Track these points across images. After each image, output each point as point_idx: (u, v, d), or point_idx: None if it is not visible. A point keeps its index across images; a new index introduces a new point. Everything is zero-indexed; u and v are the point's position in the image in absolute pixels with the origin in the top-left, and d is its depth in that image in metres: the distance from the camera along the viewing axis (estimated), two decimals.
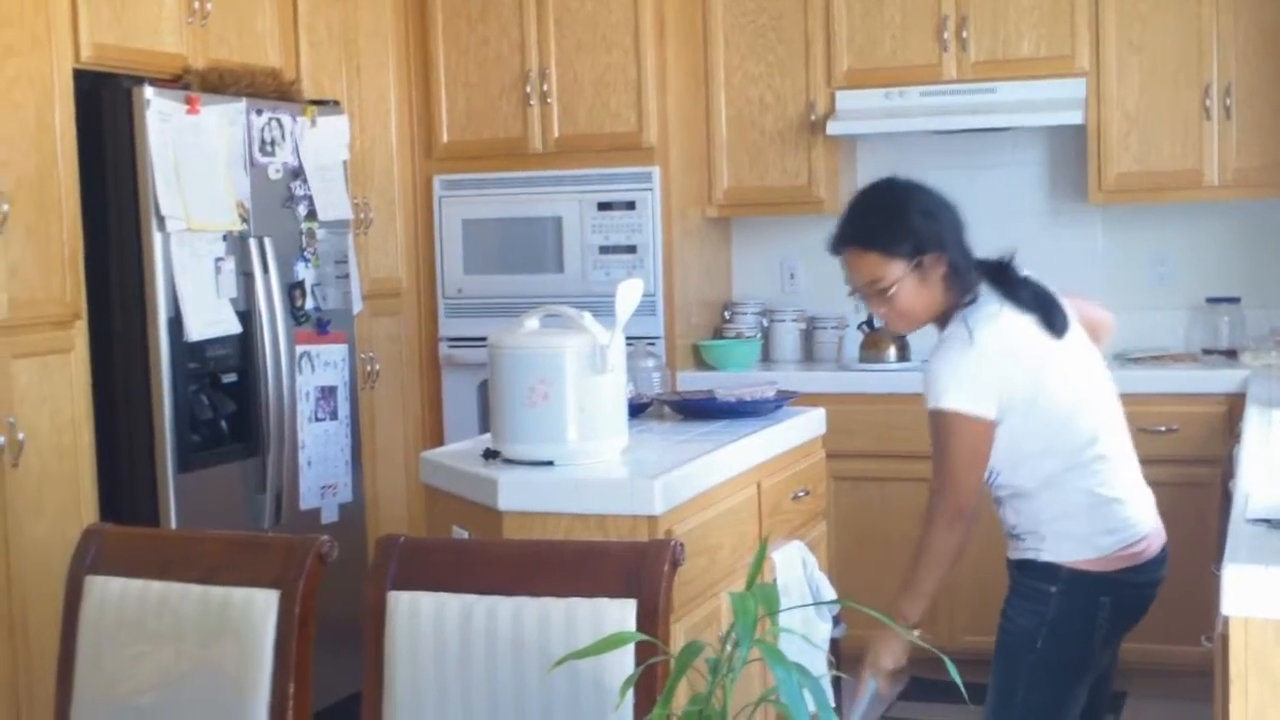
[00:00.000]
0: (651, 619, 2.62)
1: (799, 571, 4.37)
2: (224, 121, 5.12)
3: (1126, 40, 6.11)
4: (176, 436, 4.94)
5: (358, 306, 5.88)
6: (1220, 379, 5.85)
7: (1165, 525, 5.59)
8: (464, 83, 6.55)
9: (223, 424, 5.16)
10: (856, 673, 3.62)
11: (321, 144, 5.59)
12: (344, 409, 5.65)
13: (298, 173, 5.47)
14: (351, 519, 5.67)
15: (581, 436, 3.87)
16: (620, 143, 6.34)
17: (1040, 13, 6.19)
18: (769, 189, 6.55)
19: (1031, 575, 3.61)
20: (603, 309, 4.02)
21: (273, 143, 5.34)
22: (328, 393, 5.56)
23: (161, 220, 4.85)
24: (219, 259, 5.08)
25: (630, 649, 2.56)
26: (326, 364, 5.56)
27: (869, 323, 6.36)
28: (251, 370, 5.22)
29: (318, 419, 5.51)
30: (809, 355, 6.80)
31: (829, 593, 4.44)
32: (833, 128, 6.42)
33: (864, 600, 2.78)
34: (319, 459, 5.50)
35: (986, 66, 6.27)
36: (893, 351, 6.33)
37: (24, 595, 4.52)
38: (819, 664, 3.68)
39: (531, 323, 3.97)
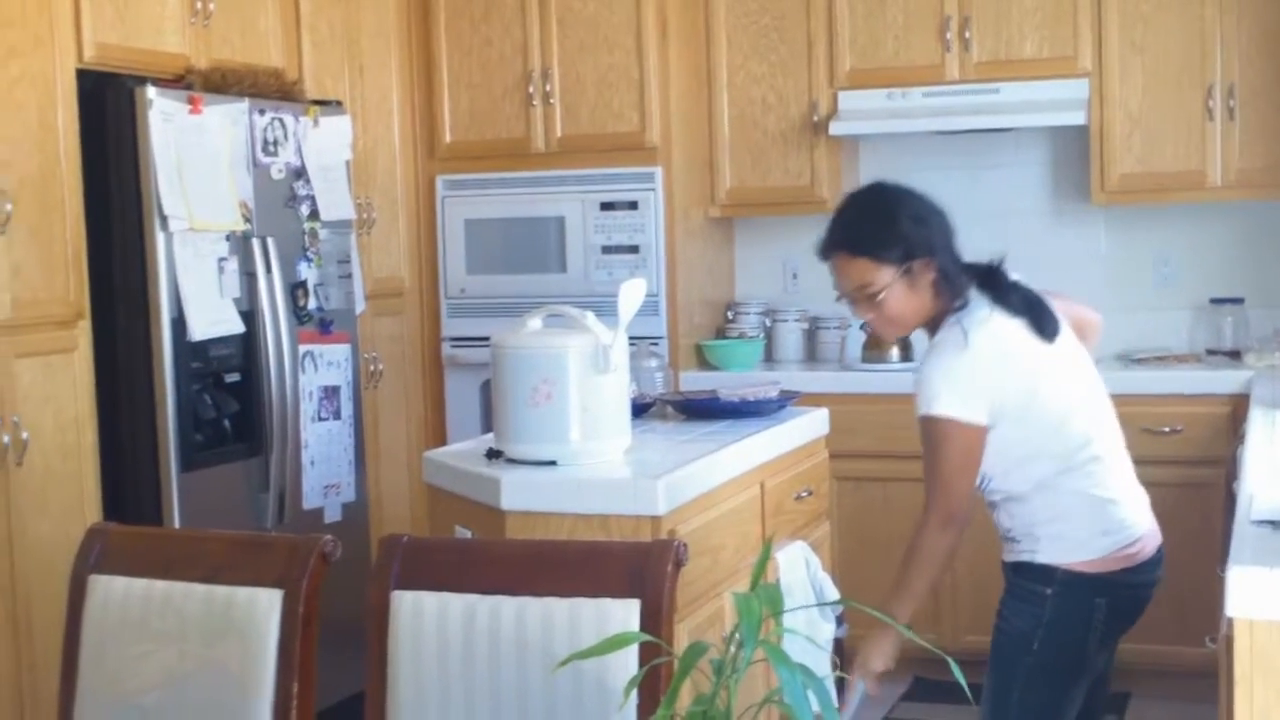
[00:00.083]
0: (655, 619, 2.62)
1: (802, 572, 4.37)
2: (227, 121, 5.12)
3: (1129, 41, 6.11)
4: (180, 436, 4.94)
5: (360, 306, 5.88)
6: (1224, 380, 5.85)
7: (1169, 526, 5.57)
8: (467, 83, 6.55)
9: (226, 423, 5.16)
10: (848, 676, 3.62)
11: (324, 144, 5.59)
12: (347, 409, 5.65)
13: (300, 173, 5.47)
14: (354, 519, 5.67)
15: (584, 436, 3.87)
16: (623, 143, 6.34)
17: (1043, 13, 6.19)
18: (771, 189, 6.55)
19: (1027, 577, 3.60)
20: (605, 309, 4.03)
21: (275, 143, 5.34)
22: (331, 392, 5.56)
23: (164, 220, 4.85)
24: (222, 259, 5.08)
25: (634, 649, 2.56)
26: (329, 364, 5.56)
27: None
28: (254, 370, 5.22)
29: (321, 418, 5.51)
30: (812, 355, 6.80)
31: (832, 593, 4.44)
32: (835, 128, 6.42)
33: (867, 600, 2.78)
34: (322, 458, 5.50)
35: (989, 67, 6.26)
36: (895, 352, 6.33)
37: (28, 594, 4.52)
38: (823, 665, 3.68)
39: (534, 323, 3.97)
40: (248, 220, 5.18)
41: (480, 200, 6.57)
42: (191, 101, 4.96)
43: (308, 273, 5.48)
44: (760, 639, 2.04)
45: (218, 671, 2.83)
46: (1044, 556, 3.56)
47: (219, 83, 5.19)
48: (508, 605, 2.73)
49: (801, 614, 4.05)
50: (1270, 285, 6.36)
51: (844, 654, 4.43)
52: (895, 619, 3.51)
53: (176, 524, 4.90)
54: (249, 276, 5.18)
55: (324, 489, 5.52)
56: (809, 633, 4.05)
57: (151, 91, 4.84)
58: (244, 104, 5.21)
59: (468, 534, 3.95)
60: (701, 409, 4.69)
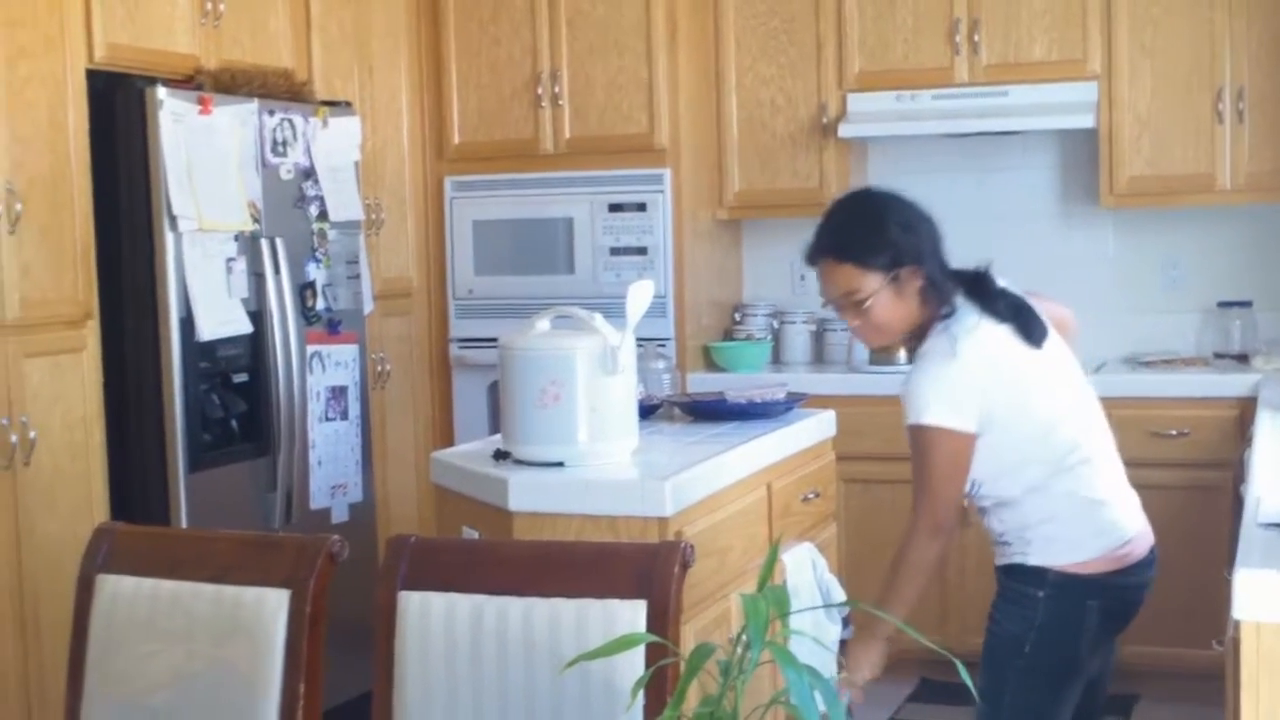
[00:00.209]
0: (662, 620, 2.62)
1: (809, 573, 4.37)
2: (236, 122, 5.13)
3: (1138, 44, 6.11)
4: (187, 436, 4.95)
5: (368, 307, 5.89)
6: (1231, 383, 5.85)
7: (1176, 529, 5.59)
8: (476, 84, 6.55)
9: (233, 423, 5.17)
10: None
11: (333, 145, 5.59)
12: (354, 409, 5.65)
13: (309, 173, 5.47)
14: (362, 519, 5.67)
15: (592, 438, 3.87)
16: (631, 144, 6.34)
17: (1052, 16, 6.18)
18: (780, 191, 6.55)
19: (1019, 580, 3.59)
20: (613, 310, 4.03)
21: (284, 143, 5.35)
22: (338, 393, 5.57)
23: (173, 220, 4.86)
24: (230, 259, 5.09)
25: (641, 650, 2.56)
26: (337, 364, 5.57)
27: None
28: (262, 370, 5.22)
29: (328, 419, 5.52)
30: (819, 357, 6.80)
31: (839, 595, 4.44)
32: (844, 130, 6.42)
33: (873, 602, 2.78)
34: (329, 459, 5.51)
35: (998, 70, 6.26)
36: (903, 354, 6.31)
37: (35, 594, 4.53)
38: (829, 666, 3.68)
39: (542, 324, 3.97)
40: (256, 220, 5.19)
41: (489, 201, 6.57)
42: (201, 102, 4.97)
43: (316, 273, 5.49)
44: (767, 640, 2.04)
45: (225, 671, 2.84)
46: (1035, 559, 3.55)
47: (229, 83, 5.19)
48: (515, 606, 2.74)
49: (808, 615, 4.05)
50: (1278, 289, 6.35)
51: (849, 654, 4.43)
52: (879, 631, 3.53)
53: (184, 524, 4.91)
54: (257, 277, 5.19)
55: (331, 489, 5.53)
56: (816, 634, 4.05)
57: (161, 92, 4.85)
58: (253, 104, 5.21)
59: (475, 535, 3.95)
60: (709, 410, 4.69)
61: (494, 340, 4.15)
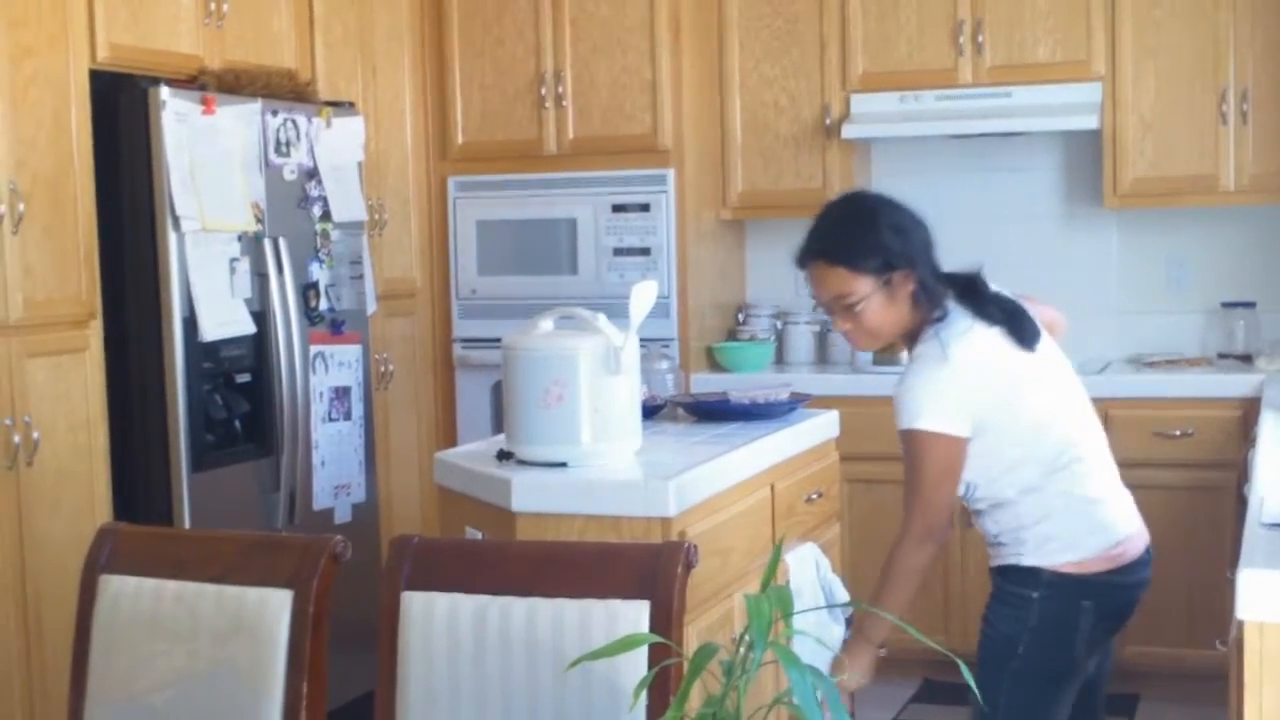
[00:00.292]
0: (665, 621, 2.62)
1: (812, 574, 4.37)
2: (239, 122, 5.13)
3: (1142, 45, 6.11)
4: (190, 436, 4.95)
5: (372, 307, 5.89)
6: (1235, 383, 5.85)
7: (1180, 529, 5.60)
8: (479, 84, 6.55)
9: (236, 424, 5.17)
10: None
11: (336, 145, 5.60)
12: (358, 409, 5.66)
13: (313, 174, 5.47)
14: (365, 519, 5.68)
15: (595, 438, 3.87)
16: (635, 145, 6.34)
17: (1056, 17, 6.18)
18: (783, 192, 6.54)
19: (1013, 581, 3.58)
20: (617, 311, 4.03)
21: (288, 144, 5.35)
22: (341, 393, 5.57)
23: (177, 220, 4.86)
24: (234, 259, 5.09)
25: (644, 650, 2.56)
26: (340, 364, 5.57)
27: None
28: (265, 370, 5.23)
29: (331, 419, 5.52)
30: (823, 358, 6.80)
31: (842, 595, 4.44)
32: (848, 131, 6.42)
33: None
34: (332, 459, 5.51)
35: (1002, 71, 6.26)
36: (905, 355, 6.31)
37: (38, 594, 4.53)
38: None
39: (545, 324, 3.97)
40: (260, 221, 5.19)
41: (492, 202, 6.58)
42: (204, 102, 4.97)
43: (319, 273, 5.49)
44: (770, 640, 2.04)
45: (228, 672, 2.84)
46: (1030, 559, 3.55)
47: (232, 83, 5.20)
48: (518, 606, 2.74)
49: (811, 616, 4.05)
50: None
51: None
52: (872, 636, 3.52)
53: (187, 524, 4.91)
54: (261, 277, 5.19)
55: (334, 489, 5.53)
56: (819, 634, 4.05)
57: (165, 92, 4.85)
58: (257, 105, 5.22)
59: (478, 535, 3.95)
60: (712, 411, 4.69)
61: (497, 340, 4.14)
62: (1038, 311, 3.72)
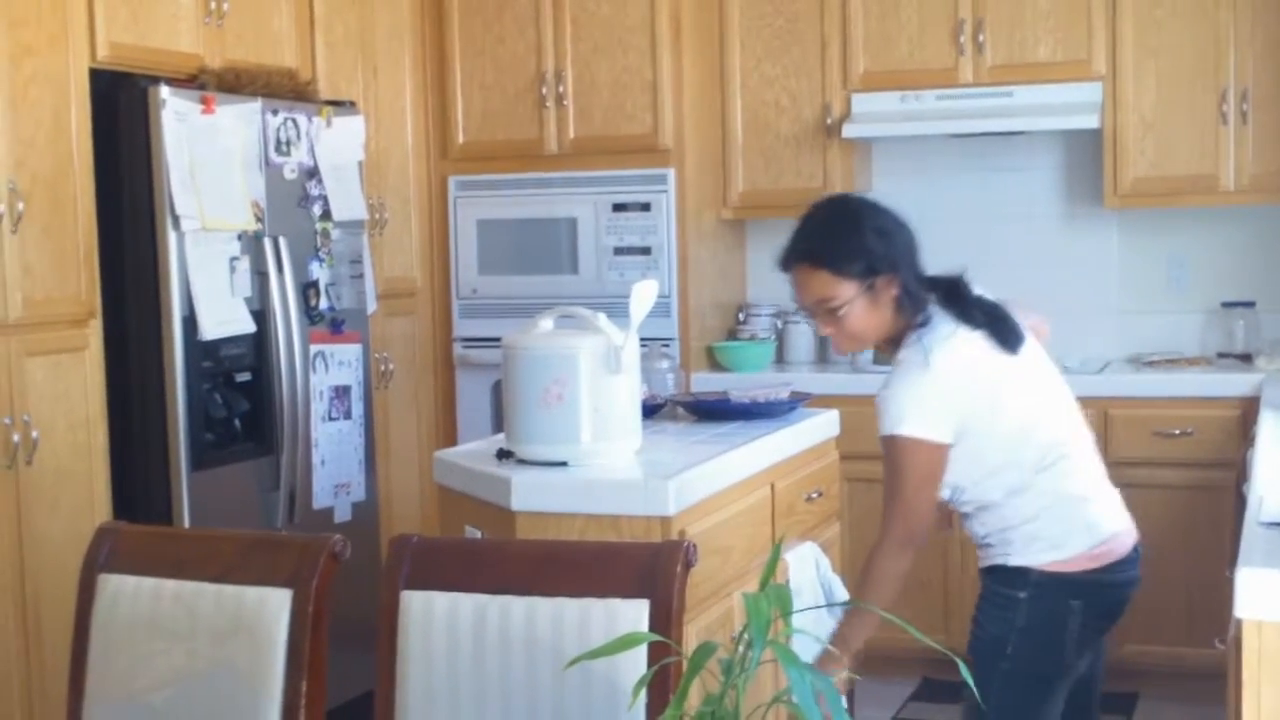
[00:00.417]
0: (665, 619, 2.62)
1: (812, 572, 4.37)
2: (240, 121, 5.13)
3: (1143, 44, 6.10)
4: (190, 435, 4.95)
5: (372, 306, 5.89)
6: (1235, 383, 5.85)
7: (1179, 528, 5.60)
8: (480, 84, 6.55)
9: (236, 423, 5.18)
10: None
11: (337, 144, 5.60)
12: (357, 408, 5.66)
13: (313, 173, 5.47)
14: (364, 518, 5.68)
15: (595, 437, 3.87)
16: (635, 144, 6.34)
17: (1057, 17, 6.18)
18: (784, 191, 6.53)
19: (1001, 582, 3.57)
20: (617, 310, 4.03)
21: (288, 143, 5.35)
22: (341, 392, 5.57)
23: (176, 219, 4.86)
24: (234, 258, 5.09)
25: (643, 649, 2.56)
26: (340, 363, 5.57)
27: None
28: (265, 369, 5.23)
29: (331, 418, 5.52)
30: (823, 357, 6.80)
31: (842, 594, 4.43)
32: (848, 130, 6.42)
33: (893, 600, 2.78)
34: (332, 458, 5.51)
35: (1003, 70, 6.26)
36: None
37: (37, 593, 4.53)
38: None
39: (546, 323, 3.97)
40: (260, 220, 5.19)
41: (492, 201, 6.58)
42: (205, 101, 4.97)
43: (319, 272, 5.49)
44: (769, 639, 2.04)
45: (227, 671, 2.84)
46: (1017, 559, 3.54)
47: (232, 83, 5.20)
48: (518, 605, 2.74)
49: (811, 614, 4.05)
50: None
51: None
52: (851, 643, 3.51)
53: (186, 523, 4.91)
54: (260, 276, 5.19)
55: (334, 489, 5.53)
56: (818, 633, 4.05)
57: (165, 91, 4.85)
58: (257, 104, 5.22)
59: (478, 534, 3.95)
60: (712, 410, 4.69)
61: (497, 340, 4.14)
62: (1022, 317, 3.71)
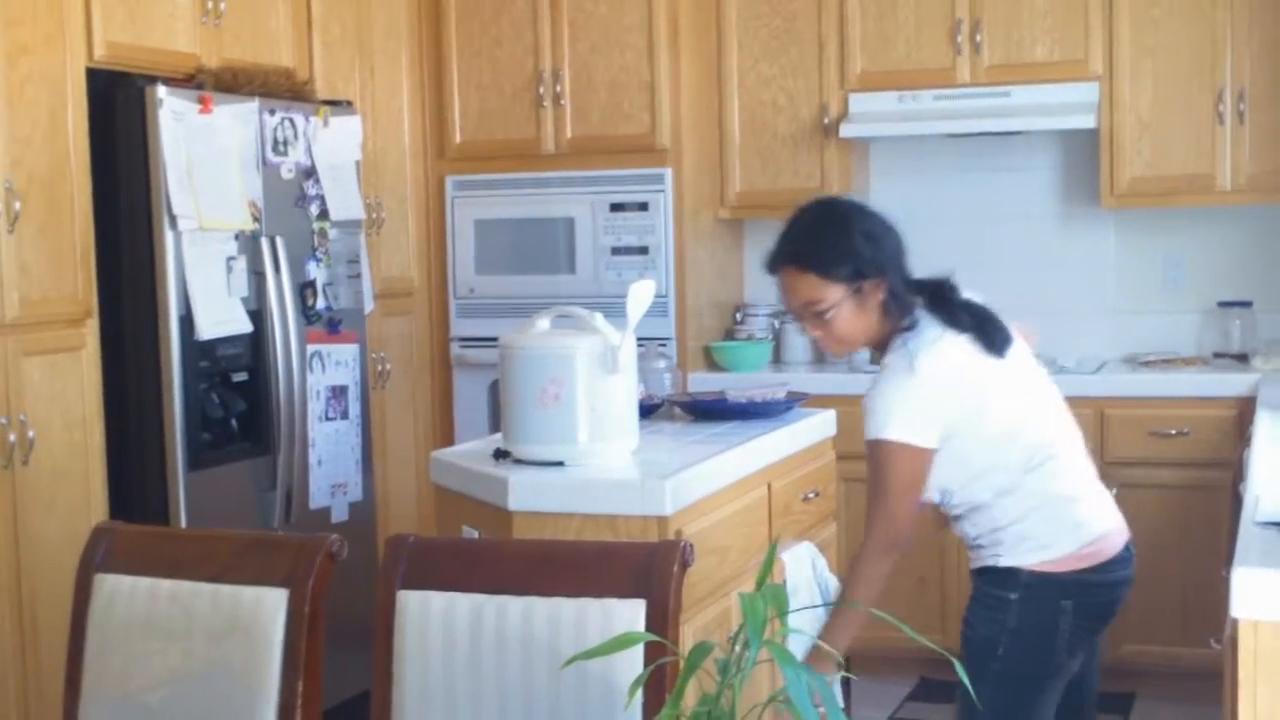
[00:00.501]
0: (661, 619, 2.62)
1: (808, 572, 4.36)
2: (237, 121, 5.13)
3: (1140, 44, 6.11)
4: (187, 435, 4.95)
5: (369, 306, 5.89)
6: (1231, 382, 5.85)
7: (1176, 528, 5.59)
8: (477, 84, 6.55)
9: (233, 423, 5.17)
10: None
11: (334, 144, 5.59)
12: (354, 408, 5.65)
13: (310, 172, 5.47)
14: (361, 518, 5.67)
15: (592, 437, 3.87)
16: (633, 144, 6.34)
17: (1054, 17, 6.18)
18: (781, 191, 6.53)
19: (992, 583, 3.57)
20: (614, 310, 4.03)
21: (285, 142, 5.35)
22: (338, 392, 5.57)
23: (173, 219, 4.86)
24: (230, 258, 5.09)
25: (640, 649, 2.56)
26: (337, 363, 5.57)
27: None
28: (262, 369, 5.22)
29: (328, 418, 5.52)
30: (820, 357, 6.78)
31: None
32: (846, 130, 6.42)
33: (876, 601, 2.78)
34: (329, 458, 5.51)
35: (1000, 70, 6.26)
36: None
37: (33, 593, 4.53)
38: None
39: (543, 323, 3.96)
40: (257, 220, 5.19)
41: (490, 201, 6.58)
42: (202, 101, 4.97)
43: (316, 272, 5.49)
44: (765, 639, 2.04)
45: (224, 671, 2.83)
46: (1007, 559, 3.54)
47: (229, 82, 5.19)
48: (514, 605, 2.74)
49: (807, 614, 4.05)
50: (1278, 289, 6.35)
51: (849, 655, 4.43)
52: (835, 647, 3.50)
53: (183, 523, 4.91)
54: (257, 276, 5.19)
55: (331, 489, 5.53)
56: (814, 633, 4.05)
57: (162, 91, 4.85)
58: (254, 104, 5.21)
59: (475, 534, 3.95)
60: (709, 410, 4.69)
61: (494, 339, 4.14)
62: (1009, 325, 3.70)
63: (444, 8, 6.56)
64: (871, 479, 3.54)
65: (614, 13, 6.33)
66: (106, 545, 3.03)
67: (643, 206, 6.34)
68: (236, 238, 5.11)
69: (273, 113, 5.30)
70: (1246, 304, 6.33)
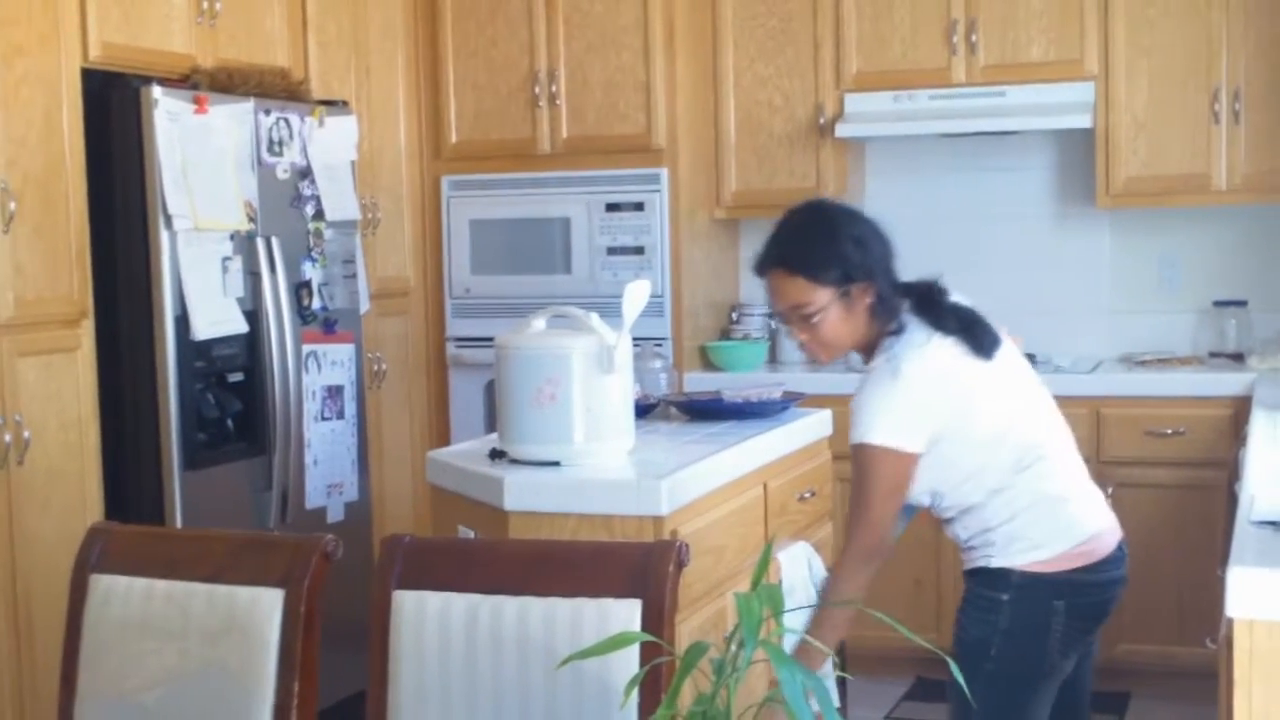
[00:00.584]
0: (657, 619, 2.62)
1: (804, 572, 4.36)
2: (232, 121, 5.13)
3: (1135, 44, 6.11)
4: (182, 435, 4.95)
5: (365, 306, 5.88)
6: (1227, 382, 5.86)
7: (1171, 527, 5.59)
8: (473, 84, 6.55)
9: (229, 423, 5.17)
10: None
11: (329, 144, 5.59)
12: (350, 408, 5.65)
13: (305, 173, 5.47)
14: (357, 518, 5.67)
15: (588, 437, 3.87)
16: (629, 144, 6.34)
17: (1049, 17, 6.18)
18: (777, 191, 6.53)
19: (984, 584, 3.57)
20: (610, 310, 4.03)
21: (280, 143, 5.35)
22: (334, 392, 5.57)
23: (169, 219, 4.86)
24: (226, 258, 5.08)
25: (635, 649, 2.56)
26: (333, 363, 5.56)
27: None
28: (258, 369, 5.22)
29: (324, 418, 5.52)
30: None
31: None
32: (841, 130, 6.42)
33: (867, 602, 2.78)
34: (325, 458, 5.50)
35: (995, 70, 6.26)
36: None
37: (29, 593, 4.52)
38: (824, 665, 3.67)
39: (539, 323, 3.97)
40: (252, 220, 5.19)
41: (485, 201, 6.57)
42: (197, 101, 4.97)
43: (312, 272, 5.49)
44: (761, 639, 2.04)
45: (219, 671, 2.83)
46: (999, 560, 3.53)
47: (225, 82, 5.19)
48: (510, 605, 2.74)
49: (803, 614, 4.05)
50: (1274, 288, 6.36)
51: (845, 654, 4.44)
52: (815, 657, 3.49)
53: (179, 523, 4.90)
54: (253, 276, 5.19)
55: (327, 489, 5.53)
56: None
57: (157, 91, 4.84)
58: (249, 104, 5.21)
59: (470, 534, 3.95)
60: (705, 410, 4.69)
61: (490, 339, 4.15)
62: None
63: (439, 7, 6.56)
64: (855, 484, 3.54)
65: (609, 12, 6.33)
66: (102, 545, 3.03)
67: (638, 206, 6.34)
68: (232, 238, 5.11)
69: (268, 113, 5.29)
70: (1242, 303, 6.34)
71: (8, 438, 4.46)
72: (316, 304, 5.49)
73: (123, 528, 3.14)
